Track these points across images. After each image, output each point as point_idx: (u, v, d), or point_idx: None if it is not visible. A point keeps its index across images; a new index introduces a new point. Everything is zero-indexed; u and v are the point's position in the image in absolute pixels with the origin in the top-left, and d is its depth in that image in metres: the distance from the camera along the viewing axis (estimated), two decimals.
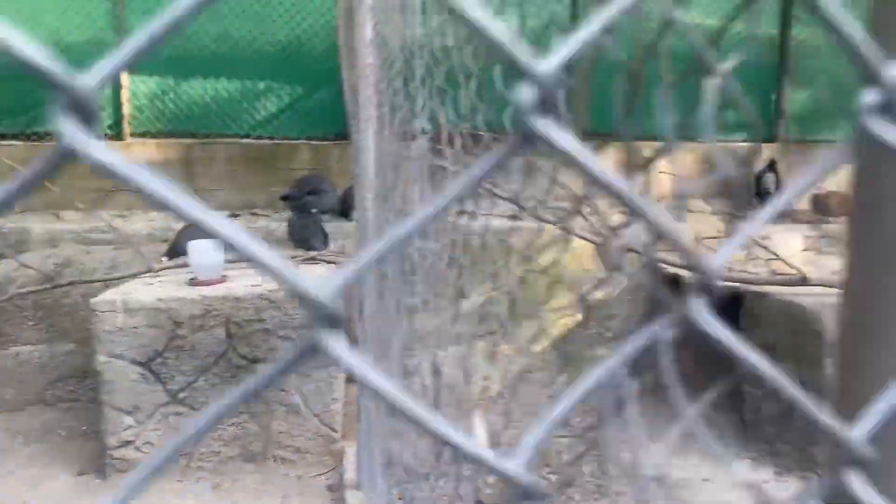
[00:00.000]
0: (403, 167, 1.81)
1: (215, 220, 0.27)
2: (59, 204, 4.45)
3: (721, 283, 0.39)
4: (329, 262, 3.96)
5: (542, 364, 4.49)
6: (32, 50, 0.24)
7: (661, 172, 5.33)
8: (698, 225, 4.69)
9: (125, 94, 4.88)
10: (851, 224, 0.62)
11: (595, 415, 4.28)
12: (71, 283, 3.81)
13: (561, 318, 4.56)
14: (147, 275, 3.57)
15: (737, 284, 3.55)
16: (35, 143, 4.76)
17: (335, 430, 3.29)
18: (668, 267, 4.01)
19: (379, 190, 2.26)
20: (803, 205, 5.05)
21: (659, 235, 0.37)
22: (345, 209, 4.62)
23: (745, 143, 5.51)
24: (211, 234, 0.28)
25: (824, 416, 0.41)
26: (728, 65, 0.59)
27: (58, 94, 0.25)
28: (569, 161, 0.33)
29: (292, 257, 3.88)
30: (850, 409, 0.43)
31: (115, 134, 4.87)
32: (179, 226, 4.15)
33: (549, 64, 0.31)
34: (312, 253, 4.05)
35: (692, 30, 0.61)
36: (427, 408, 0.32)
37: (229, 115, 5.08)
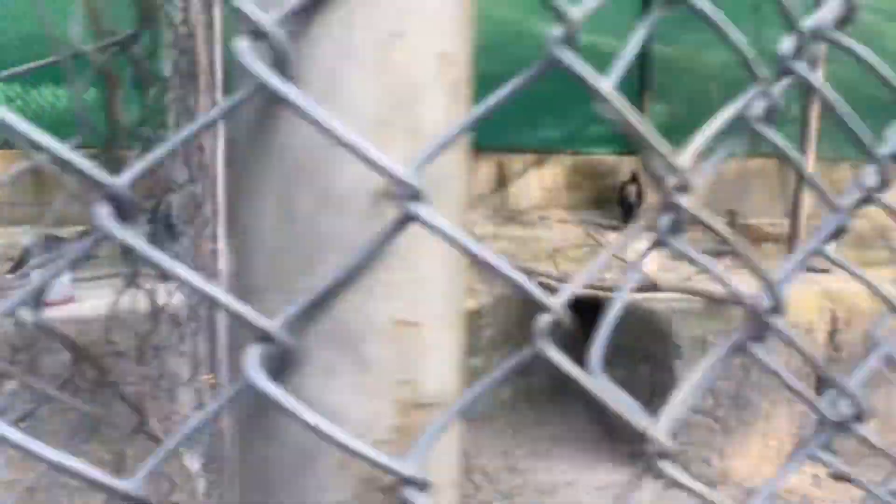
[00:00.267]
0: None
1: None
2: None
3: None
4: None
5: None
6: None
7: (530, 184, 5.51)
8: (564, 235, 4.88)
9: None
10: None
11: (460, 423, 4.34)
12: None
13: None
14: None
15: (594, 291, 3.72)
16: None
17: None
18: (554, 282, 4.16)
19: None
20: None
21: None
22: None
23: (609, 156, 5.81)
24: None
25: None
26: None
27: None
28: None
29: None
30: None
31: None
32: (25, 242, 3.85)
33: None
34: None
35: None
36: None
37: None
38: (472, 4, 0.50)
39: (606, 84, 0.45)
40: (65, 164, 0.27)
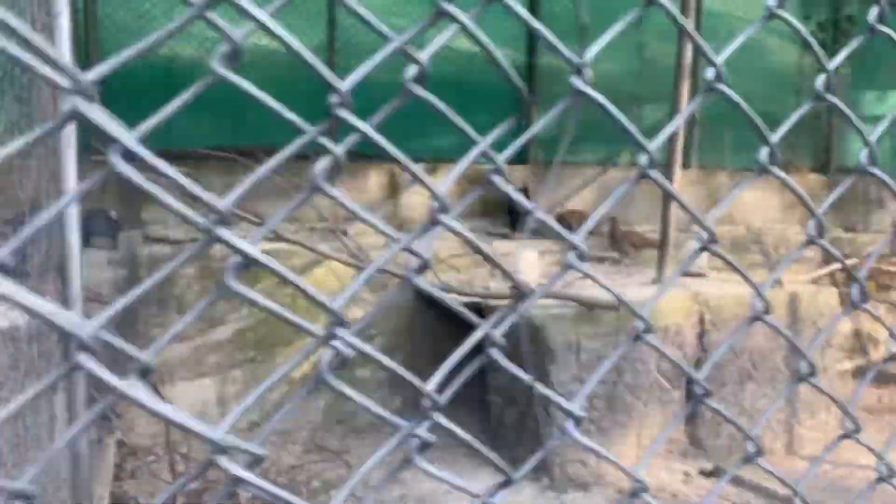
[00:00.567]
0: None
1: None
2: None
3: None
4: None
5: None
6: None
7: (417, 194, 5.57)
8: (452, 244, 4.95)
9: None
10: None
11: (325, 427, 4.35)
12: None
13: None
14: None
15: (477, 299, 3.82)
16: None
17: None
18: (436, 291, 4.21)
19: None
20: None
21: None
22: None
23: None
24: None
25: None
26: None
27: None
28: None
29: None
30: None
31: None
32: None
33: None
34: None
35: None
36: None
37: None
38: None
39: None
40: None
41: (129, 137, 0.48)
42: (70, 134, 2.18)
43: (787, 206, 6.75)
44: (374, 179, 5.50)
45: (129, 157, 0.49)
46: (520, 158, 6.04)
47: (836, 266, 5.95)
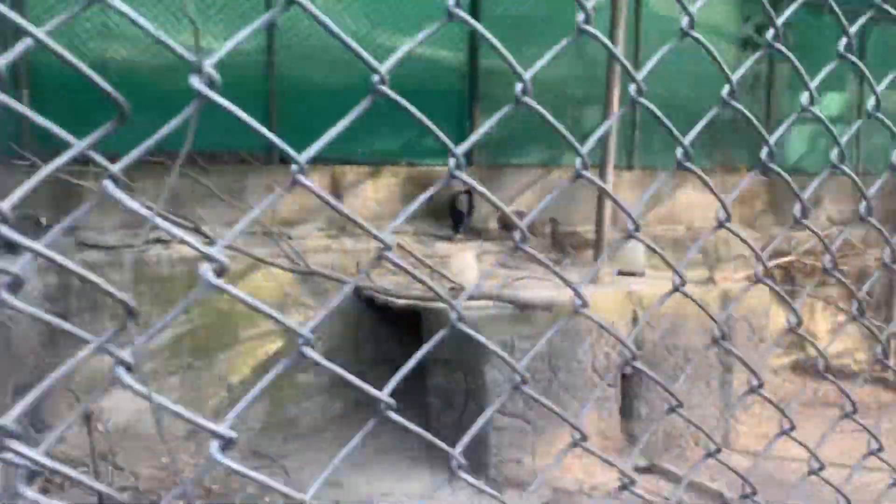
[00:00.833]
0: None
1: None
2: None
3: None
4: None
5: (241, 394, 4.44)
6: None
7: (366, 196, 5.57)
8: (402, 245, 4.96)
9: None
10: None
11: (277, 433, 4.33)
12: None
13: (262, 346, 4.56)
14: None
15: (414, 301, 3.83)
16: None
17: None
18: (378, 294, 4.22)
19: None
20: (493, 223, 5.60)
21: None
22: None
23: (443, 167, 5.97)
24: None
25: None
26: None
27: None
28: None
29: None
30: None
31: None
32: None
33: None
34: None
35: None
36: None
37: None
38: None
39: None
40: None
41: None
42: None
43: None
44: (316, 181, 5.47)
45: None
46: (465, 160, 6.08)
47: (775, 262, 6.11)
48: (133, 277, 4.45)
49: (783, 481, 3.71)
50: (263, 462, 3.91)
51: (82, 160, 0.61)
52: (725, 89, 1.21)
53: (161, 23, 4.87)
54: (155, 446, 4.02)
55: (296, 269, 4.24)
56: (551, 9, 6.24)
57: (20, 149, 4.06)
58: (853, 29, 1.26)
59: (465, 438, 0.99)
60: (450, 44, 5.89)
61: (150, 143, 0.63)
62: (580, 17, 0.97)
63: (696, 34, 1.09)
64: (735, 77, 1.14)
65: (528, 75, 0.79)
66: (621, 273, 4.65)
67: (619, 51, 4.51)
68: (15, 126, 4.18)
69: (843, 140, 1.28)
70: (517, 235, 1.02)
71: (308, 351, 0.75)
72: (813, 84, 1.28)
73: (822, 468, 1.47)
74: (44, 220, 4.38)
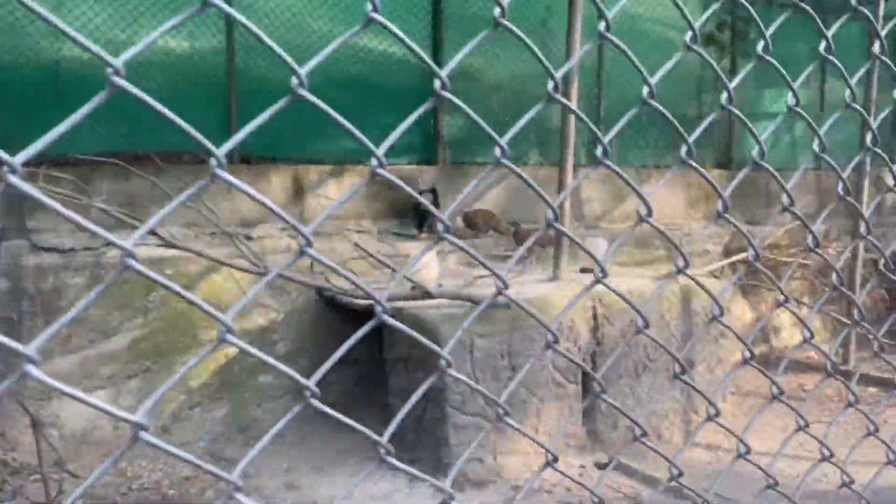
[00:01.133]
0: None
1: None
2: None
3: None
4: None
5: (201, 398, 4.41)
6: None
7: (325, 197, 5.54)
8: (349, 247, 4.94)
9: None
10: None
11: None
12: None
13: (222, 349, 4.52)
14: None
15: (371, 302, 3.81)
16: None
17: None
18: (339, 295, 4.21)
19: None
20: (458, 222, 5.61)
21: None
22: None
23: (408, 165, 5.97)
24: None
25: None
26: None
27: None
28: None
29: None
30: None
31: None
32: None
33: None
34: None
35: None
36: None
37: None
38: None
39: None
40: None
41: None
42: None
43: (692, 203, 6.98)
44: (278, 181, 5.45)
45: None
46: (429, 159, 6.09)
47: (736, 258, 6.19)
48: (89, 280, 4.40)
49: (739, 472, 3.75)
50: (222, 466, 3.88)
51: (35, 163, 0.61)
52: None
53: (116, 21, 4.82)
54: (112, 452, 3.97)
55: (251, 271, 4.21)
56: (514, 7, 6.28)
57: None
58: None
59: (392, 426, 1.00)
60: (413, 42, 5.89)
61: (55, 133, 0.63)
62: (496, 10, 0.97)
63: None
64: (654, 80, 1.14)
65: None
66: (583, 270, 4.68)
67: (576, 49, 4.54)
68: None
69: (763, 136, 1.30)
70: (440, 227, 1.03)
71: (230, 337, 0.77)
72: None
73: (748, 452, 1.50)
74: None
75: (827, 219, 7.46)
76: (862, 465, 1.71)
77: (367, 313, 4.16)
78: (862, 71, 1.50)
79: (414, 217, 5.58)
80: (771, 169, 1.35)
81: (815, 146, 1.46)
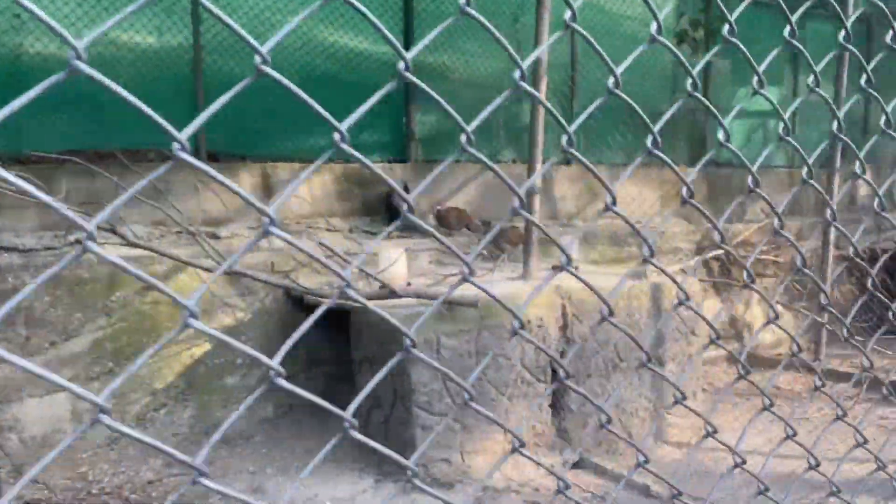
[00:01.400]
0: None
1: None
2: None
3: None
4: None
5: (166, 400, 4.34)
6: None
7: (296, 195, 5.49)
8: (336, 241, 4.91)
9: None
10: None
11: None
12: None
13: (187, 350, 4.46)
14: None
15: (340, 301, 3.78)
16: None
17: None
18: (307, 295, 4.16)
19: None
20: (429, 219, 5.59)
21: None
22: None
23: (379, 163, 5.94)
24: None
25: None
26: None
27: None
28: None
29: None
30: None
31: None
32: None
33: None
34: None
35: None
36: None
37: None
38: None
39: None
40: None
41: None
42: None
43: (665, 200, 7.01)
44: (247, 180, 5.39)
45: None
46: (400, 156, 6.06)
47: (709, 255, 6.23)
48: (48, 284, 4.31)
49: (710, 471, 3.77)
50: (186, 469, 3.82)
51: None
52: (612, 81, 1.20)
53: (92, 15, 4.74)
54: (73, 456, 3.90)
55: (216, 270, 4.15)
56: (486, 3, 6.27)
57: None
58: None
59: (356, 401, 0.99)
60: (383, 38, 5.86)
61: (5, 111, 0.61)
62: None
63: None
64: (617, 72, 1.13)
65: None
66: (555, 268, 4.67)
67: (544, 39, 4.53)
68: None
69: (726, 121, 1.30)
70: (404, 207, 1.02)
71: (193, 322, 0.76)
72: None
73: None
74: None
75: (798, 217, 7.51)
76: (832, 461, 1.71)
77: (334, 313, 4.13)
78: (829, 57, 1.51)
79: (385, 215, 5.55)
80: (734, 148, 1.36)
81: (780, 129, 1.48)
